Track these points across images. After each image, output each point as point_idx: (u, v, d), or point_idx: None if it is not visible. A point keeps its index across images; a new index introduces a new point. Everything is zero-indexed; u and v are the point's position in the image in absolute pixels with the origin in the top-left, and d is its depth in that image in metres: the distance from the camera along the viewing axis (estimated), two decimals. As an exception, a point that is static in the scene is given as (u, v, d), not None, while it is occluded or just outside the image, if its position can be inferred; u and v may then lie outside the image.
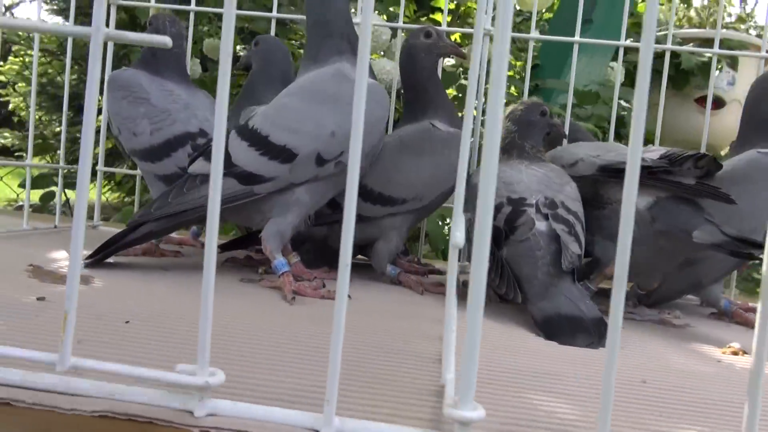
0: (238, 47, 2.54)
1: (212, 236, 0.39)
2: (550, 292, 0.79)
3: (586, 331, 0.73)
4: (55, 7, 4.15)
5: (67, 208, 2.82)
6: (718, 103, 2.53)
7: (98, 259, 0.87)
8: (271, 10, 1.27)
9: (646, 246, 0.92)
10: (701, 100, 2.45)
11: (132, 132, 1.03)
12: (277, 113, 0.87)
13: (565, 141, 1.13)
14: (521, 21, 2.97)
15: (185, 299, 0.74)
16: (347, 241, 0.38)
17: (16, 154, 3.86)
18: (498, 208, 0.89)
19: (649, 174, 0.87)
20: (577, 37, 1.20)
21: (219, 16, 2.04)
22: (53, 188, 2.15)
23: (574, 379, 0.58)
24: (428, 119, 1.02)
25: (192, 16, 1.26)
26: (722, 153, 2.52)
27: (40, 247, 0.98)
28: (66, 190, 2.64)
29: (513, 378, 0.56)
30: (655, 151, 0.93)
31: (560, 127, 1.04)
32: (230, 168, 0.86)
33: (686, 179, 0.86)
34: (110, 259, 0.91)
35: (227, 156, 0.86)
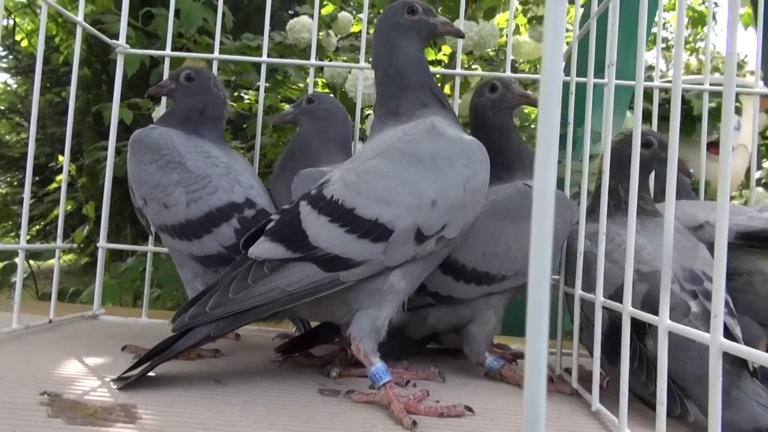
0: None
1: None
2: (732, 396, 0.63)
3: (805, 452, 0.57)
4: (4, 65, 3.93)
5: (31, 281, 2.52)
6: (726, 148, 2.52)
7: (140, 374, 0.66)
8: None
9: None
10: (711, 146, 2.42)
11: (162, 203, 0.84)
12: (362, 180, 0.70)
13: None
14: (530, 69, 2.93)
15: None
16: None
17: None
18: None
19: None
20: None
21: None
22: (16, 259, 1.88)
23: None
24: (518, 179, 0.87)
25: (215, 65, 1.09)
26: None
27: (43, 357, 0.76)
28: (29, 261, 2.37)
29: None
30: None
31: (681, 163, 0.88)
32: (308, 250, 0.67)
33: None
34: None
35: (302, 235, 0.68)
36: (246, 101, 2.46)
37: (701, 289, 0.71)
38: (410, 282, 0.71)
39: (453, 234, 0.70)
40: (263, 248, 0.69)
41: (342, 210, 0.68)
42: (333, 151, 0.92)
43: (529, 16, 2.74)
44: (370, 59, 1.09)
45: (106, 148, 2.20)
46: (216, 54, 1.10)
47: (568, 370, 0.88)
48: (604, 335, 0.72)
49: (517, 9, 3.01)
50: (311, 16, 2.34)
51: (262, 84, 1.10)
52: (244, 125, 2.36)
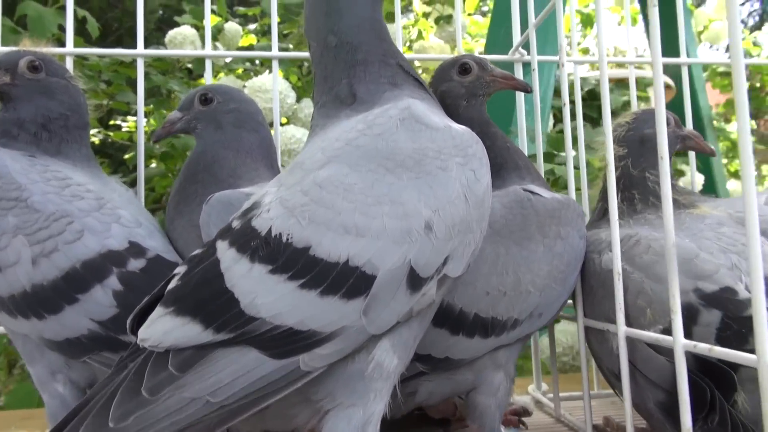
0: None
1: None
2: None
3: None
4: None
5: None
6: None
7: None
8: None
9: None
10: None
11: (-9, 264, 0.53)
12: (315, 200, 0.44)
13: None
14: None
15: None
16: None
17: None
18: (689, 314, 0.53)
19: None
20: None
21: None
22: None
23: None
24: (512, 183, 0.65)
25: (140, 63, 0.80)
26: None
27: None
28: None
29: None
30: None
31: (698, 139, 0.71)
32: (242, 326, 0.41)
33: None
34: None
35: (228, 299, 0.42)
36: (125, 130, 2.11)
37: None
38: (403, 355, 0.46)
39: (459, 270, 0.46)
40: (163, 328, 0.42)
41: (289, 251, 0.42)
42: (253, 165, 0.65)
43: (433, 18, 2.58)
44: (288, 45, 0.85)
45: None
46: (141, 50, 0.80)
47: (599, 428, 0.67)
48: (666, 391, 0.52)
49: (417, 14, 2.88)
50: (195, 26, 2.05)
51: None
52: (125, 156, 2.01)
